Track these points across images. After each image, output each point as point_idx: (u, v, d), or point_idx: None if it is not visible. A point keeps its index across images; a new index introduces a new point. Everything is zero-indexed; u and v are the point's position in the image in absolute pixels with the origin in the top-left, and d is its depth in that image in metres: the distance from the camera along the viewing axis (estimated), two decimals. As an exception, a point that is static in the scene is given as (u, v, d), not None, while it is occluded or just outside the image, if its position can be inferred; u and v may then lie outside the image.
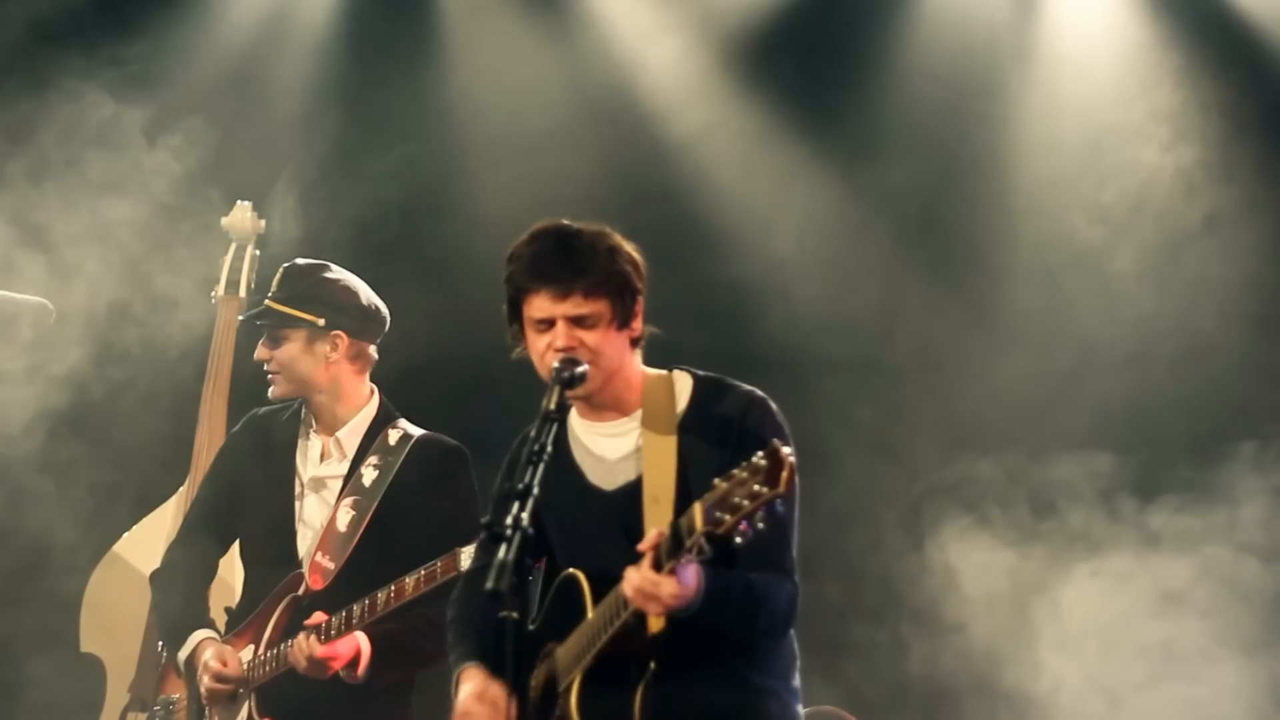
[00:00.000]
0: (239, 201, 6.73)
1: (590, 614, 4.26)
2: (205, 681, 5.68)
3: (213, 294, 6.74)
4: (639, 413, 4.42)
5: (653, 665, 4.23)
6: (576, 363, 4.29)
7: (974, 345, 7.30)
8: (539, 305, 4.32)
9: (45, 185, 7.26)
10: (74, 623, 6.63)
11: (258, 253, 6.72)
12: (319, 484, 5.81)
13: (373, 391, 5.87)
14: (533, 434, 4.14)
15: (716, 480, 3.99)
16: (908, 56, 7.50)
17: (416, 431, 5.83)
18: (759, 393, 4.45)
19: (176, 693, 6.05)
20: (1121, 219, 7.21)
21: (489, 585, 3.83)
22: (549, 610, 4.41)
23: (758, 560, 4.25)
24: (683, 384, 4.46)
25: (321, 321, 5.78)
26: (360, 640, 5.55)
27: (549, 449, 4.11)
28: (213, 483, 5.95)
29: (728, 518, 3.97)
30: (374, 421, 5.83)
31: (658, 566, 4.10)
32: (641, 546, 4.13)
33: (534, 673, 4.39)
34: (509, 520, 3.91)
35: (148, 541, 6.39)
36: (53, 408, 7.08)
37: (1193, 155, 7.19)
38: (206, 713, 5.77)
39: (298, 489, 5.80)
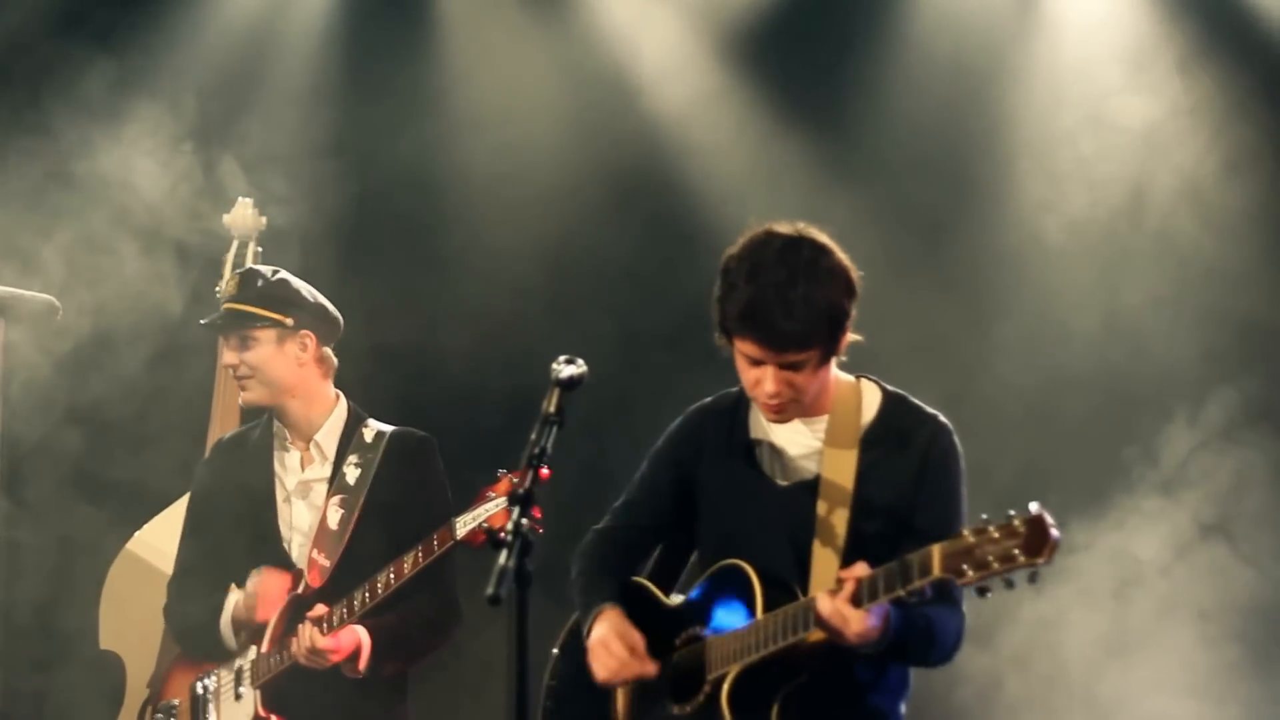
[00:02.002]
0: (240, 198, 6.74)
1: (760, 615, 4.26)
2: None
3: (217, 291, 6.71)
4: (826, 417, 4.41)
5: (803, 676, 4.25)
6: (573, 362, 4.26)
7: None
8: (750, 348, 4.30)
9: (45, 182, 7.30)
10: (93, 620, 6.66)
11: (260, 249, 6.72)
12: (305, 489, 5.87)
13: (338, 396, 5.93)
14: (532, 437, 4.12)
15: (965, 531, 3.95)
16: (907, 46, 7.49)
17: (387, 428, 5.91)
18: (944, 419, 4.45)
19: (178, 699, 6.08)
20: (1119, 219, 7.20)
21: (489, 591, 3.81)
22: (702, 594, 4.43)
23: (940, 591, 4.21)
24: (870, 395, 4.46)
25: (290, 321, 5.83)
26: (360, 634, 5.63)
27: (549, 452, 4.09)
28: (197, 522, 6.00)
29: (970, 571, 3.93)
30: (347, 423, 5.89)
31: (857, 602, 4.09)
32: (843, 574, 4.13)
33: (674, 652, 4.42)
34: (509, 526, 3.89)
35: (163, 537, 6.43)
36: (63, 404, 7.15)
37: (1201, 149, 7.18)
38: (210, 706, 5.86)
39: (281, 497, 5.87)
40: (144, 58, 7.50)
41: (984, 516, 3.94)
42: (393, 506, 5.77)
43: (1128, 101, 7.22)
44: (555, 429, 4.14)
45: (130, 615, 6.52)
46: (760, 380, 4.30)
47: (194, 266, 7.16)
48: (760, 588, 4.28)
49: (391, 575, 5.52)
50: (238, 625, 5.84)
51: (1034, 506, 3.90)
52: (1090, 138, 7.26)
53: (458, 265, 7.58)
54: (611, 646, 4.35)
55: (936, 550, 3.97)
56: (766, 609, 4.25)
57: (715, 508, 4.46)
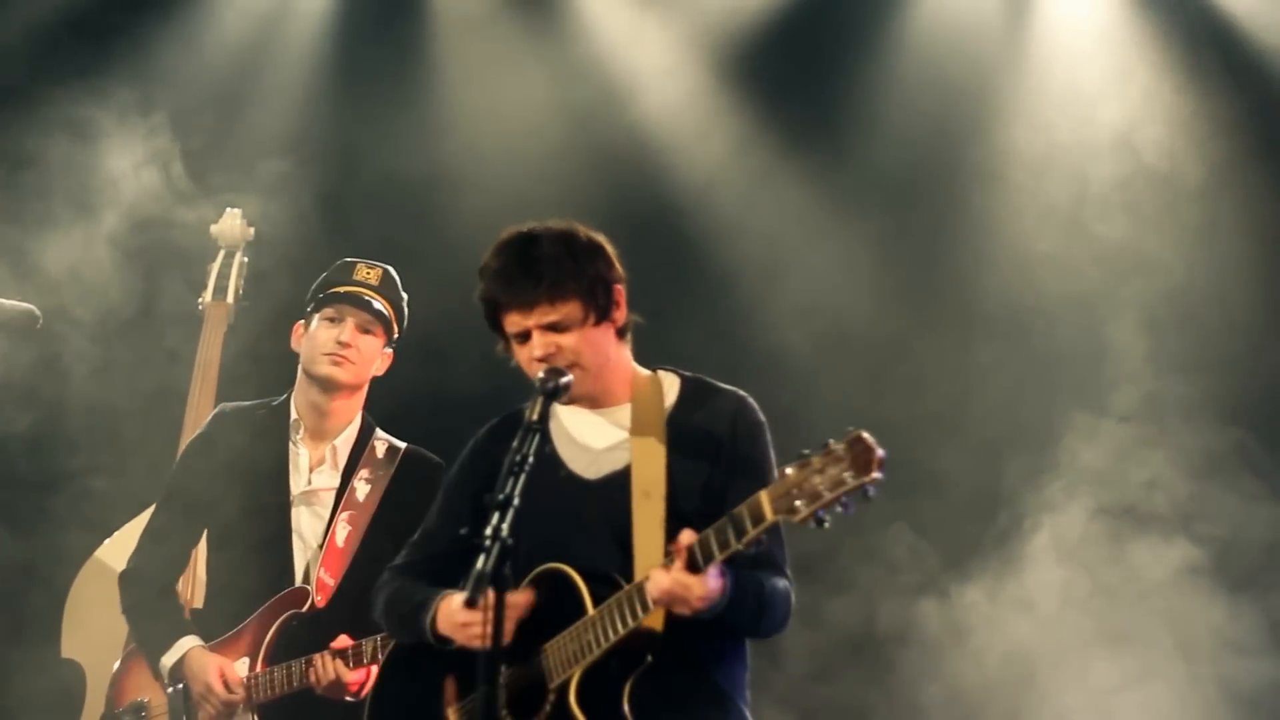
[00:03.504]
0: (228, 209, 6.74)
1: (590, 610, 4.24)
2: (212, 702, 5.67)
3: (200, 300, 6.74)
4: (627, 405, 4.43)
5: (649, 659, 4.22)
6: (561, 373, 4.30)
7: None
8: (512, 321, 4.36)
9: (30, 189, 7.29)
10: (56, 628, 6.60)
11: (246, 259, 6.72)
12: (311, 496, 5.82)
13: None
14: (515, 444, 4.13)
15: (787, 470, 3.97)
16: (899, 62, 7.56)
17: (400, 444, 5.88)
18: (744, 393, 4.47)
19: (146, 696, 6.00)
20: (1109, 238, 7.24)
21: (467, 594, 3.85)
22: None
23: (761, 559, 4.24)
24: (670, 382, 4.48)
25: (396, 335, 5.85)
26: None
27: (531, 460, 4.10)
28: (186, 481, 5.87)
29: (803, 506, 3.94)
30: (360, 433, 5.85)
31: (694, 568, 4.09)
32: (673, 548, 4.12)
33: (508, 668, 4.34)
34: (488, 530, 3.91)
35: (130, 547, 6.35)
36: (40, 414, 7.12)
37: (1182, 158, 7.25)
38: None
39: (291, 498, 5.80)
40: (144, 84, 7.53)
41: (804, 451, 3.95)
42: (398, 529, 5.52)
43: (1115, 117, 7.30)
44: (538, 437, 4.16)
45: (93, 625, 6.47)
46: (531, 352, 4.32)
47: (165, 272, 7.18)
48: (585, 585, 4.26)
49: None
50: (177, 677, 5.77)
51: (851, 428, 3.93)
52: (1079, 148, 7.34)
53: (426, 268, 7.59)
54: (472, 622, 4.16)
55: (764, 495, 3.99)
56: (596, 605, 4.24)
57: (524, 516, 4.25)
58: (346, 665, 5.55)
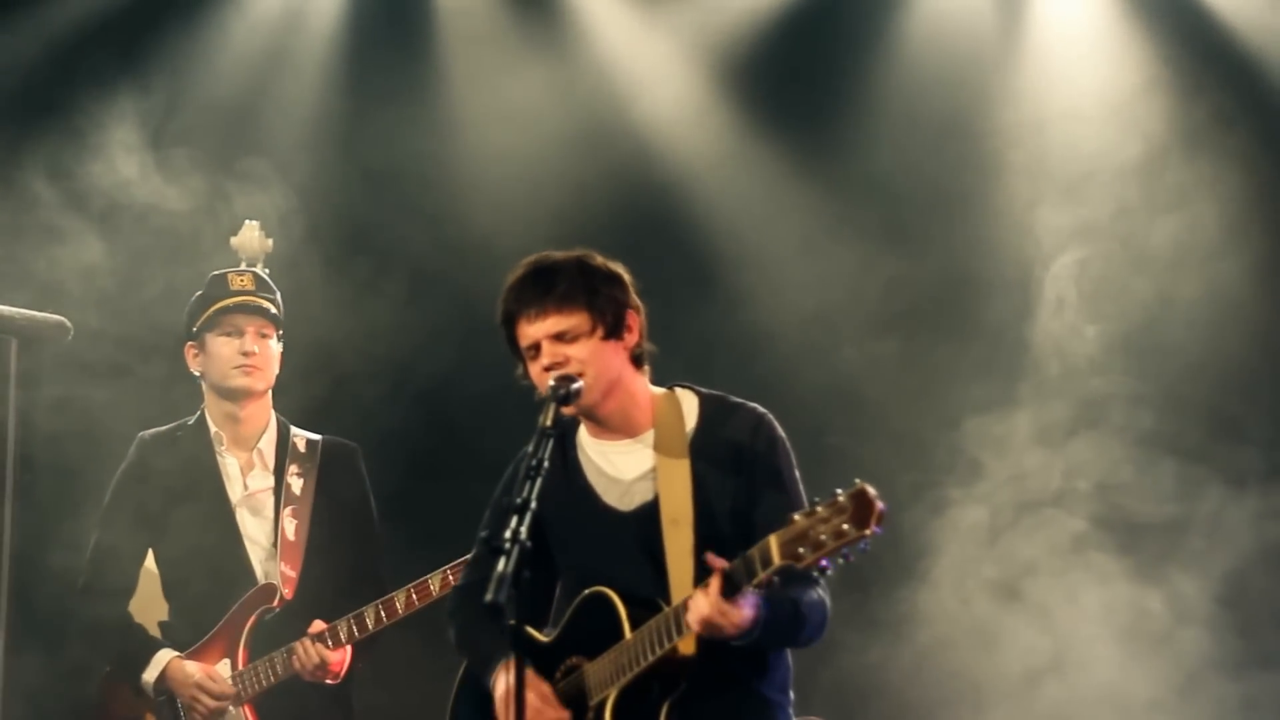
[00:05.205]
0: (247, 221, 6.82)
1: (629, 634, 4.37)
2: (202, 706, 5.86)
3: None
4: (651, 433, 4.52)
5: (683, 684, 4.36)
6: (571, 379, 4.40)
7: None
8: (523, 333, 4.45)
9: (50, 201, 7.36)
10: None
11: (266, 270, 6.76)
12: (250, 500, 6.04)
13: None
14: (529, 449, 4.24)
15: (795, 516, 4.07)
16: (902, 65, 7.61)
17: (315, 436, 6.12)
18: (762, 410, 4.56)
19: (134, 713, 6.11)
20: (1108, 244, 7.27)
21: (488, 597, 3.94)
22: (571, 626, 4.53)
23: (796, 575, 4.32)
24: (689, 403, 4.56)
25: (281, 330, 6.07)
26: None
27: (546, 464, 4.20)
28: (124, 508, 6.06)
29: (807, 554, 4.03)
30: (279, 430, 6.08)
31: (728, 595, 4.19)
32: (710, 561, 4.22)
33: (554, 687, 4.51)
34: (507, 534, 4.01)
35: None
36: (62, 423, 7.14)
37: (1175, 155, 7.26)
38: None
39: (234, 505, 6.00)
40: (159, 98, 7.61)
41: (815, 499, 4.06)
42: (334, 514, 5.98)
43: (1110, 121, 7.33)
44: (551, 442, 4.25)
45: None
46: (542, 362, 4.41)
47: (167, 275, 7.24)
48: (624, 609, 4.39)
49: (415, 595, 5.68)
50: (162, 690, 5.95)
51: (857, 481, 4.03)
52: (1075, 154, 7.36)
53: (429, 270, 7.67)
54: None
55: (773, 540, 4.10)
56: (634, 628, 4.37)
57: (565, 543, 4.51)
58: (326, 647, 5.76)
